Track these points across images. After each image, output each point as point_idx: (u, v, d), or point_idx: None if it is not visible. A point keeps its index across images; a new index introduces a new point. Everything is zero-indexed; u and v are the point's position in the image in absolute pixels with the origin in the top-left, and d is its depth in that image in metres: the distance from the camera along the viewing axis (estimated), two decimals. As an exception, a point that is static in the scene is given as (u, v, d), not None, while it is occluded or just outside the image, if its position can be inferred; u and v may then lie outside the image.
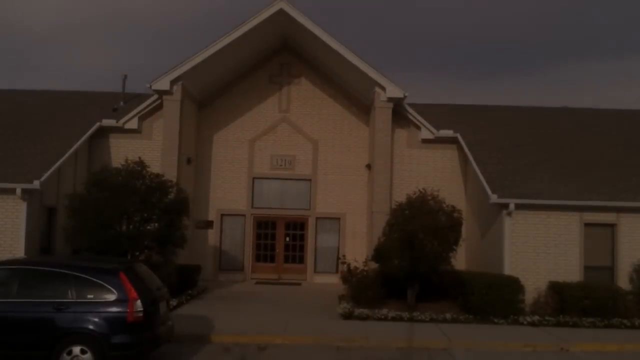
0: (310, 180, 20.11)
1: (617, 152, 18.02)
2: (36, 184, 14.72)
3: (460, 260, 17.16)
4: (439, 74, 57.60)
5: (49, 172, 15.30)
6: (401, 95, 18.06)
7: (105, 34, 57.57)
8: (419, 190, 14.90)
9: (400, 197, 16.16)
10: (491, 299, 13.49)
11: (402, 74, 53.65)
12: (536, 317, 13.44)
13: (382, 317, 13.39)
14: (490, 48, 61.22)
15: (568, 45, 59.38)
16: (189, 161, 18.90)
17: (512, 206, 14.93)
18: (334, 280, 19.14)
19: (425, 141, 19.39)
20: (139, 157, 15.08)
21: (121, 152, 18.65)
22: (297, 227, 20.19)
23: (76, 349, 8.30)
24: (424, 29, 60.11)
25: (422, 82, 54.55)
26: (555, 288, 14.28)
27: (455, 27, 57.68)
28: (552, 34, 58.27)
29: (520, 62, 59.12)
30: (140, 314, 8.47)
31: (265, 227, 20.16)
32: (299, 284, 19.10)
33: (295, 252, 20.10)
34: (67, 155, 16.50)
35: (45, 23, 55.73)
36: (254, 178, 20.11)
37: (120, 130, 19.11)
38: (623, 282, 14.90)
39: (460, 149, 18.92)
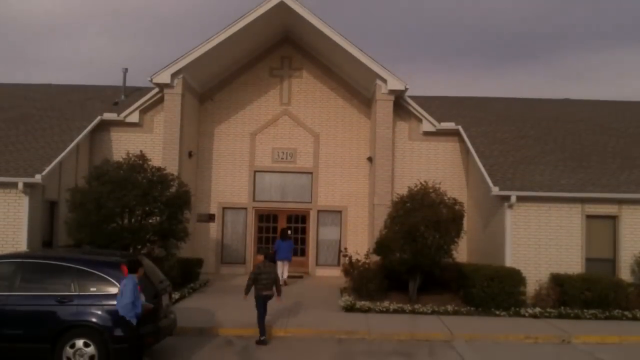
0: (311, 173, 20.10)
1: (619, 144, 17.99)
2: (38, 177, 14.72)
3: (461, 252, 17.20)
4: (442, 66, 57.45)
5: (50, 166, 15.31)
6: (402, 88, 18.01)
7: (105, 27, 57.45)
8: (421, 182, 14.90)
9: (401, 189, 16.16)
10: (493, 291, 13.52)
11: (404, 66, 53.54)
12: (537, 309, 13.48)
13: (384, 309, 13.43)
14: (492, 39, 61.02)
15: (571, 35, 59.16)
16: (190, 155, 18.90)
17: (513, 198, 14.90)
18: (335, 273, 19.18)
19: (427, 134, 19.36)
20: (140, 151, 15.13)
21: (122, 145, 18.68)
22: (298, 220, 20.20)
23: (79, 342, 8.34)
24: (427, 20, 59.91)
25: (424, 75, 54.42)
26: (557, 280, 14.30)
27: (458, 17, 57.49)
28: (554, 24, 58.05)
29: (523, 53, 58.92)
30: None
31: (266, 221, 20.18)
32: (301, 277, 19.12)
33: (297, 245, 20.10)
34: (68, 149, 16.50)
35: (45, 16, 55.63)
36: (255, 171, 20.11)
37: (122, 123, 19.11)
38: (625, 274, 14.90)
39: (461, 141, 18.89)
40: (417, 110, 19.23)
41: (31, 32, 57.08)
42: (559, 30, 58.51)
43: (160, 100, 18.61)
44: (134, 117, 19.09)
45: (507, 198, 14.99)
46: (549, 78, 53.75)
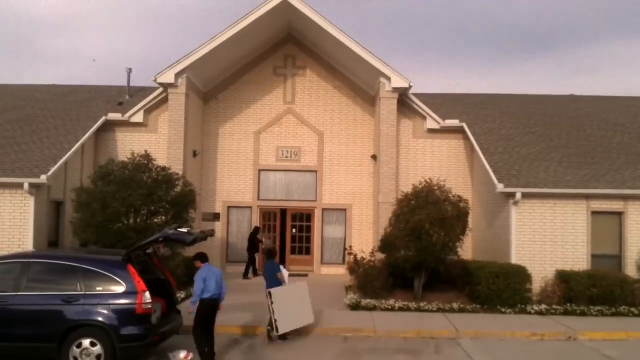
0: (315, 171, 20.10)
1: (624, 140, 17.92)
2: (43, 178, 14.77)
3: (466, 249, 17.17)
4: (447, 63, 57.30)
5: (55, 167, 15.36)
6: (406, 85, 17.97)
7: (110, 26, 57.55)
8: (425, 180, 14.88)
9: (406, 187, 16.15)
10: (498, 288, 13.51)
11: (408, 63, 53.37)
12: (543, 306, 13.45)
13: (389, 307, 13.43)
14: (498, 34, 60.81)
15: (576, 29, 58.89)
16: (194, 154, 18.93)
17: (518, 195, 14.86)
18: (340, 271, 19.19)
19: (431, 131, 19.32)
20: (145, 151, 15.18)
21: (127, 145, 18.74)
22: (303, 219, 20.22)
23: (85, 341, 8.38)
24: (432, 16, 59.75)
25: (428, 70, 54.29)
26: (562, 277, 14.26)
27: (463, 13, 57.31)
28: (560, 18, 57.79)
29: (529, 47, 58.68)
30: (149, 306, 8.54)
31: (272, 219, 20.19)
32: (306, 275, 19.10)
33: (302, 244, 20.13)
34: (73, 149, 16.55)
35: (46, 14, 55.76)
36: (259, 170, 20.13)
37: (126, 123, 19.17)
38: (630, 270, 14.85)
39: (466, 138, 18.85)
40: (421, 108, 19.20)
41: (33, 31, 57.24)
42: (565, 25, 58.27)
43: (165, 99, 18.65)
44: (139, 117, 19.13)
45: (512, 195, 14.95)
46: (554, 73, 53.53)
